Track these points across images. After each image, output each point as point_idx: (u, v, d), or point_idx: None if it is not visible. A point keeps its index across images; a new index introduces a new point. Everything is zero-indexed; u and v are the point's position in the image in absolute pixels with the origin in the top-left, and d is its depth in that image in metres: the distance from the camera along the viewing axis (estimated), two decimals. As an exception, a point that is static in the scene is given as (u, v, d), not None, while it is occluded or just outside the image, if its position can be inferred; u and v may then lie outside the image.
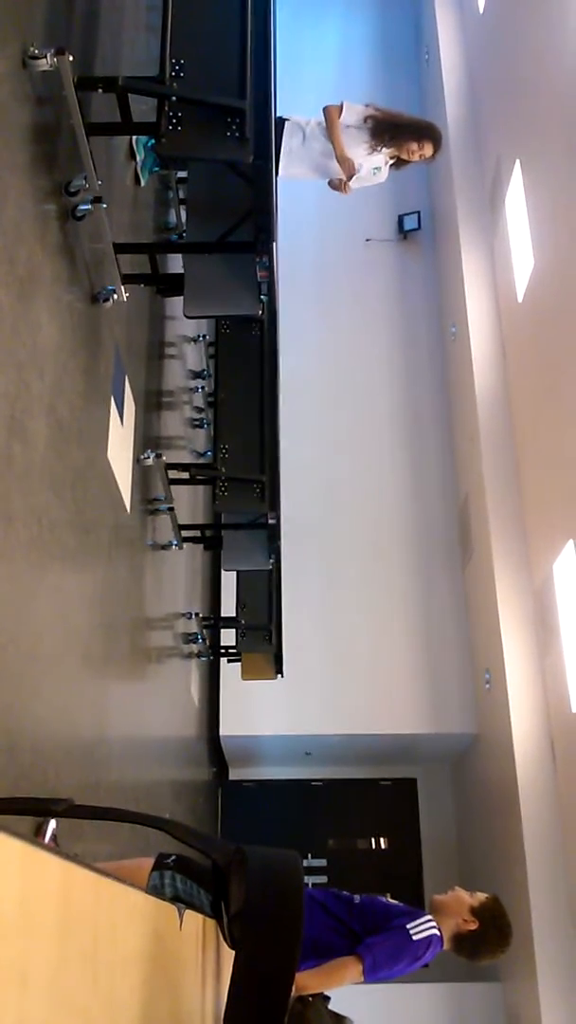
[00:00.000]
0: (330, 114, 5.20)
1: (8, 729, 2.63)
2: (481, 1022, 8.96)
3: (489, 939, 3.44)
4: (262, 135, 3.50)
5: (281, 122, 5.07)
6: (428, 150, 5.40)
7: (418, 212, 12.42)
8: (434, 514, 11.01)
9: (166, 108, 3.28)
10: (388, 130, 5.27)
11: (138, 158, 4.74)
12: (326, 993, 3.31)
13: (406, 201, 12.43)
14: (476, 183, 11.33)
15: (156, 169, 5.05)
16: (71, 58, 3.00)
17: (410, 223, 12.43)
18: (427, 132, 5.40)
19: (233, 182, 4.00)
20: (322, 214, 11.46)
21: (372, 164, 5.33)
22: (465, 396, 10.57)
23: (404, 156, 5.38)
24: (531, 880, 8.09)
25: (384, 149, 5.29)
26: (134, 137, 4.58)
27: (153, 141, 4.70)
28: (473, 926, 3.39)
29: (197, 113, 3.33)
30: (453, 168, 11.40)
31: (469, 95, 12.06)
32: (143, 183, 4.84)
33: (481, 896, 3.48)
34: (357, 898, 3.40)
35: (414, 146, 5.34)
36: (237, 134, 3.31)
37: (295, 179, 5.33)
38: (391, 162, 5.41)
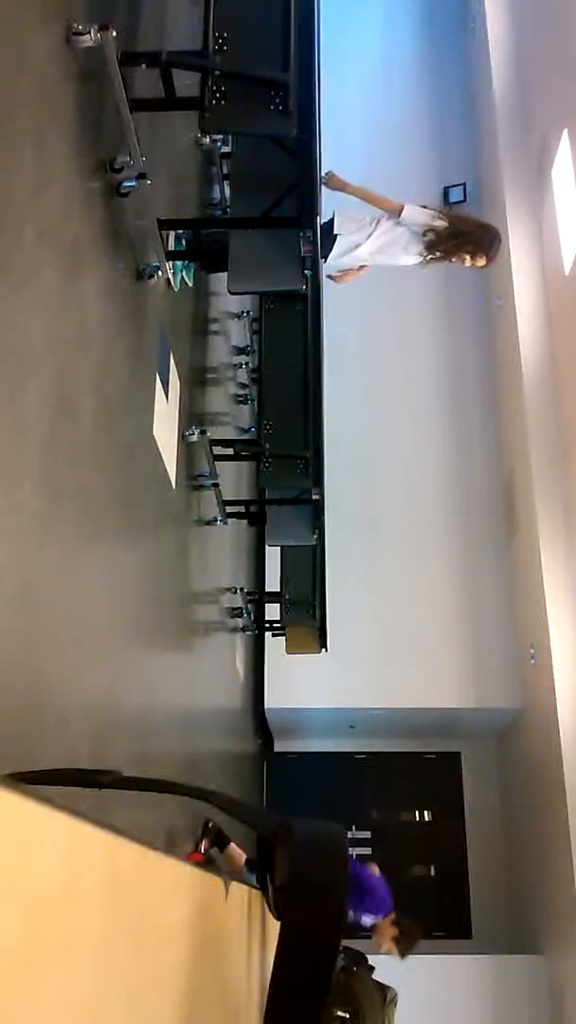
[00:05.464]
0: (383, 204, 5.16)
1: (58, 701, 2.67)
2: (524, 995, 8.99)
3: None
4: (306, 108, 3.48)
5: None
6: (480, 262, 5.18)
7: (464, 184, 12.26)
8: (479, 488, 10.96)
9: (209, 82, 3.27)
10: (448, 241, 5.05)
11: (170, 271, 4.63)
12: (371, 964, 3.34)
13: (452, 173, 12.29)
14: (523, 154, 11.17)
15: (188, 269, 4.87)
16: (114, 34, 2.99)
17: (455, 195, 12.29)
18: (487, 245, 5.15)
19: (277, 156, 3.98)
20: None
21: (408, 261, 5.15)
22: (511, 369, 10.48)
23: (453, 261, 5.17)
24: (575, 853, 8.09)
25: (432, 261, 5.10)
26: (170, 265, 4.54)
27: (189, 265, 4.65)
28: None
29: (240, 87, 3.31)
30: (499, 139, 11.24)
31: (516, 64, 11.87)
32: (175, 288, 4.72)
33: None
34: None
35: (467, 257, 5.13)
36: (281, 107, 3.29)
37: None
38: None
